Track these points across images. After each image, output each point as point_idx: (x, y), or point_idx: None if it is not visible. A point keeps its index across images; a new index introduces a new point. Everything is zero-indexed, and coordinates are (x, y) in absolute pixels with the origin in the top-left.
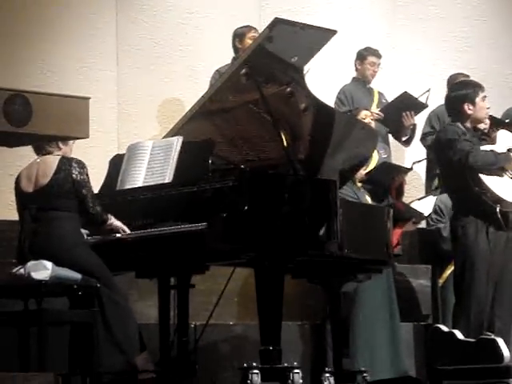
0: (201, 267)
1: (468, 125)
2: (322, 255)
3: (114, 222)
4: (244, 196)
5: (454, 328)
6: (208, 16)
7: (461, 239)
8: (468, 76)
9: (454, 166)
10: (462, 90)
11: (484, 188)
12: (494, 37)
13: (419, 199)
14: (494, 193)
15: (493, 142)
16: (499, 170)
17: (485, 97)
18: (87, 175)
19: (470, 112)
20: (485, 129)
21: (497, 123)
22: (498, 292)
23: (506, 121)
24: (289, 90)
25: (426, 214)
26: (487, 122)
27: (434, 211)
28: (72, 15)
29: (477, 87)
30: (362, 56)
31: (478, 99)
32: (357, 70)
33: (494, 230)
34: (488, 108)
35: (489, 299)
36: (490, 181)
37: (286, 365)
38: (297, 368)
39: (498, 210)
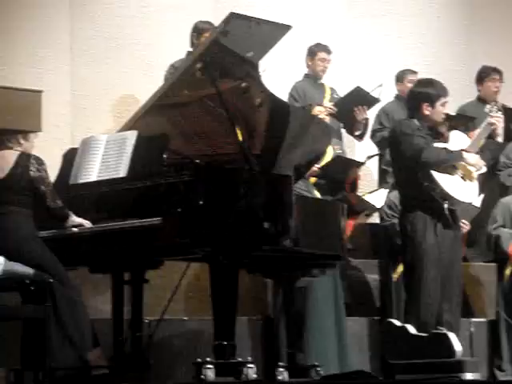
0: (155, 262)
1: (423, 123)
2: (276, 250)
3: (75, 218)
4: (199, 191)
5: (405, 323)
6: (163, 10)
7: (410, 235)
8: (416, 73)
9: (406, 160)
10: (426, 89)
11: (434, 184)
12: (446, 33)
13: (370, 192)
14: (443, 190)
15: (446, 140)
16: (451, 168)
17: (446, 102)
18: (46, 171)
19: (426, 113)
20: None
21: (452, 119)
22: (446, 287)
23: (453, 114)
24: (244, 85)
25: (378, 207)
26: (444, 128)
27: (389, 207)
28: (25, 7)
29: (441, 91)
30: (312, 52)
31: (438, 103)
32: (308, 66)
33: (442, 227)
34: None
35: (438, 294)
36: (441, 178)
37: (239, 360)
38: (251, 363)
39: (446, 206)
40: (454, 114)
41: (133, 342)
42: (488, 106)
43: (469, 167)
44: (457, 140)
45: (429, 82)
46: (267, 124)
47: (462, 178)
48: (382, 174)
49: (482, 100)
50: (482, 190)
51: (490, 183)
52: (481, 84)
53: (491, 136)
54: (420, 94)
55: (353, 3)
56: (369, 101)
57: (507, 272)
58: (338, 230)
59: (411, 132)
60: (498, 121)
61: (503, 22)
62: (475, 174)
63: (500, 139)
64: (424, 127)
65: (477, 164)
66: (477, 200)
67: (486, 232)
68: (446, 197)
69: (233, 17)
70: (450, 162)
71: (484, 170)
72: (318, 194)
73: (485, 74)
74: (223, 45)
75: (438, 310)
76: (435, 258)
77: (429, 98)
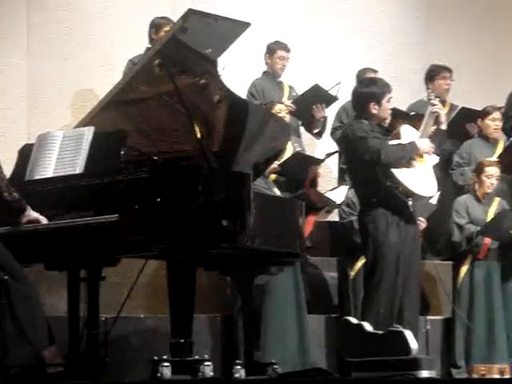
0: (112, 259)
1: (372, 122)
2: (234, 248)
3: (32, 212)
4: (157, 188)
5: (363, 320)
6: (122, 5)
7: (371, 233)
8: (376, 71)
9: (365, 163)
10: (370, 88)
11: (396, 182)
12: (405, 32)
13: (331, 190)
14: (406, 187)
15: (397, 136)
16: (408, 163)
17: (391, 98)
18: None
19: (374, 111)
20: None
21: (401, 116)
22: (406, 284)
23: (412, 113)
24: (203, 81)
25: (339, 203)
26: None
27: (347, 205)
28: None
29: (385, 87)
30: (271, 50)
31: (384, 100)
32: (266, 63)
33: (404, 224)
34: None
35: (398, 292)
36: (402, 175)
37: (196, 357)
38: (207, 360)
39: (410, 203)
40: (403, 110)
41: (89, 340)
42: (425, 94)
43: (422, 156)
44: (408, 134)
45: (371, 81)
46: (226, 121)
47: (418, 170)
48: (341, 171)
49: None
50: (438, 188)
51: (445, 182)
52: (431, 82)
53: (435, 124)
54: (365, 93)
55: (312, 1)
56: (327, 99)
57: (463, 270)
58: (297, 227)
59: (365, 134)
60: (440, 108)
61: (460, 21)
62: (428, 162)
63: (444, 126)
64: (375, 127)
65: (430, 150)
66: (434, 197)
67: (452, 228)
68: (409, 194)
69: (191, 13)
70: (408, 157)
71: (436, 159)
72: (277, 192)
73: (435, 73)
74: (181, 41)
75: (398, 308)
76: (397, 255)
77: (375, 96)
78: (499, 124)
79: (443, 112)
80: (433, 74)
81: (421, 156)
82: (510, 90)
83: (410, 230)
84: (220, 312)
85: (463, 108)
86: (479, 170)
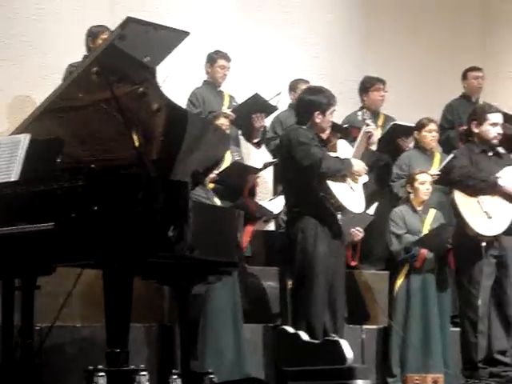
0: (47, 268)
1: (312, 131)
2: (172, 257)
3: None
4: (94, 196)
5: (296, 329)
6: (59, 11)
7: (300, 243)
8: (308, 82)
9: (303, 169)
10: (317, 97)
11: (329, 194)
12: (343, 43)
13: (269, 200)
14: (338, 200)
15: (334, 149)
16: (342, 177)
17: (334, 110)
18: None
19: (317, 121)
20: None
21: (335, 128)
22: (332, 295)
23: (345, 126)
24: (141, 89)
25: (276, 213)
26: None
27: (285, 213)
28: None
29: (332, 99)
30: (212, 59)
31: (328, 112)
32: (207, 72)
33: (332, 236)
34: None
35: (326, 301)
36: (335, 187)
37: (132, 367)
38: (143, 370)
39: (339, 217)
40: (337, 123)
41: (23, 349)
42: (360, 114)
43: (355, 175)
44: (343, 149)
45: (319, 90)
46: (164, 130)
47: (350, 187)
48: (277, 181)
49: (367, 109)
50: (374, 199)
51: (382, 193)
52: (365, 94)
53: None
54: (311, 101)
55: (251, 11)
56: (267, 108)
57: (399, 280)
58: (235, 237)
59: (308, 141)
60: (374, 129)
61: (396, 33)
62: (359, 181)
63: (374, 147)
64: (314, 135)
65: (362, 172)
66: (372, 207)
67: (389, 238)
68: (340, 207)
69: (130, 21)
70: (344, 172)
71: (366, 178)
72: (217, 201)
73: (369, 84)
74: (120, 49)
75: (326, 318)
76: (325, 266)
77: (321, 106)
78: (436, 135)
79: (376, 133)
80: (367, 86)
81: (355, 178)
82: (445, 103)
83: (337, 242)
84: (156, 321)
85: (395, 124)
86: (411, 179)
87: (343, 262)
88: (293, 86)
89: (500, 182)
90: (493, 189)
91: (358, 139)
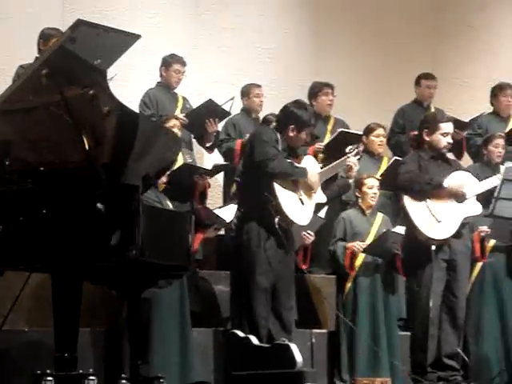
0: None
1: (283, 141)
2: (122, 261)
3: None
4: (42, 199)
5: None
6: (12, 14)
7: (245, 244)
8: (260, 86)
9: (254, 166)
10: (300, 112)
11: (272, 196)
12: (295, 48)
13: (220, 207)
14: (279, 203)
15: (298, 161)
16: (293, 186)
17: (310, 132)
18: None
19: (291, 134)
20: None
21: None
22: (278, 299)
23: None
24: (91, 92)
25: (228, 221)
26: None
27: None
28: None
29: (312, 120)
30: (167, 63)
31: (303, 131)
32: (161, 76)
33: (275, 239)
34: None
35: (269, 305)
36: (282, 192)
37: (80, 372)
38: (92, 375)
39: (276, 220)
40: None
41: None
42: (349, 148)
43: (310, 189)
44: (308, 164)
45: (304, 107)
46: (115, 132)
47: (300, 198)
48: (228, 185)
49: (316, 114)
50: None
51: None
52: (314, 99)
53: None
54: (292, 114)
55: (204, 16)
56: (220, 113)
57: (348, 284)
58: (186, 240)
59: (269, 140)
60: (355, 164)
61: (348, 39)
62: (313, 198)
63: (351, 181)
64: (283, 144)
65: (315, 184)
66: (322, 210)
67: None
68: (279, 212)
69: (80, 23)
70: (294, 177)
71: (324, 199)
72: (170, 204)
73: (317, 89)
74: (70, 51)
75: (269, 321)
76: (267, 268)
77: (298, 122)
78: (383, 140)
79: (356, 168)
80: (316, 91)
81: (310, 190)
82: (397, 107)
83: (280, 246)
84: (105, 325)
85: (342, 131)
86: (359, 184)
87: (291, 265)
88: (245, 91)
89: (445, 183)
90: (438, 191)
91: (336, 162)
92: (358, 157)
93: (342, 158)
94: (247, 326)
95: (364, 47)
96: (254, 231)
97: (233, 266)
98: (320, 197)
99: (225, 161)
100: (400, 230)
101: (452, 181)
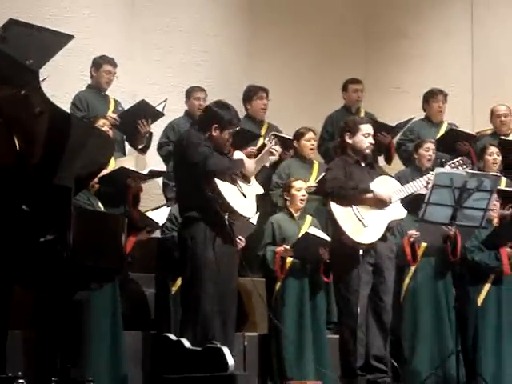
0: None
1: (209, 141)
2: (53, 263)
3: None
4: None
5: (181, 337)
6: None
7: (190, 247)
8: (204, 90)
9: (192, 169)
10: (222, 112)
11: (217, 195)
12: (230, 51)
13: (153, 209)
14: (225, 200)
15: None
16: (232, 180)
17: (232, 132)
18: None
19: (214, 134)
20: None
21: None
22: (224, 301)
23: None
24: (23, 92)
25: (161, 224)
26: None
27: (170, 220)
28: None
29: (235, 120)
30: (97, 64)
31: (226, 131)
32: (92, 77)
33: (222, 240)
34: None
35: (215, 309)
36: (224, 188)
37: (9, 375)
38: (21, 378)
39: (226, 218)
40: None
41: None
42: (266, 140)
43: (247, 181)
44: (240, 157)
45: (226, 107)
46: (47, 134)
47: (241, 192)
48: (165, 187)
49: (250, 117)
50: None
51: (263, 202)
52: (249, 103)
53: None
54: (215, 114)
55: (138, 16)
56: (153, 114)
57: (277, 287)
58: (118, 243)
59: (198, 141)
60: (276, 150)
61: (282, 42)
62: (252, 188)
63: (267, 164)
64: (208, 142)
65: (253, 172)
66: (254, 217)
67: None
68: (228, 209)
69: (12, 23)
70: (234, 170)
71: (261, 190)
72: (101, 207)
73: (252, 93)
74: (1, 51)
75: (214, 325)
76: (214, 272)
77: (221, 121)
78: (314, 143)
79: (277, 154)
80: (250, 95)
81: (246, 179)
82: (330, 112)
83: (227, 247)
84: (36, 328)
85: (274, 134)
86: (288, 186)
87: (236, 268)
88: (188, 94)
89: (371, 187)
90: (364, 196)
91: (262, 153)
92: (275, 141)
93: (266, 149)
94: (191, 332)
95: (298, 50)
96: (199, 234)
97: (164, 271)
98: (258, 188)
99: (164, 163)
100: (320, 233)
101: (377, 185)
